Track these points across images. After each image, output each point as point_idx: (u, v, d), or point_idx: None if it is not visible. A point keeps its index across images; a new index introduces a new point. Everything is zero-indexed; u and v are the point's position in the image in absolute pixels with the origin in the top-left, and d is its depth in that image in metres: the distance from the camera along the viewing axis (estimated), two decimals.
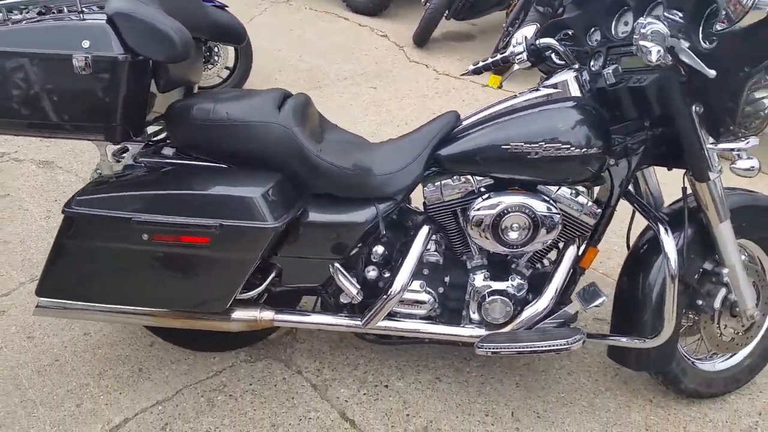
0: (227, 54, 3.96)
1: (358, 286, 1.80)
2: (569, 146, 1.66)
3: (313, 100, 1.95)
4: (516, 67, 1.96)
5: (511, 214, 1.72)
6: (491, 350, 1.79)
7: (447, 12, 4.83)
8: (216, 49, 3.89)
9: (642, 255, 1.88)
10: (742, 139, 1.62)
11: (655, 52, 1.45)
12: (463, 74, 2.10)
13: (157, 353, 2.11)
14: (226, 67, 3.99)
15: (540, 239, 1.75)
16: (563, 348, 1.77)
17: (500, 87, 2.14)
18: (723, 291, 1.86)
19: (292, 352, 2.15)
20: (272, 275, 1.83)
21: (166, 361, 2.09)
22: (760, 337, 2.04)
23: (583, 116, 1.68)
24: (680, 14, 1.51)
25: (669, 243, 1.69)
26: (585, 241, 1.88)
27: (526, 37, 1.89)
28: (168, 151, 1.82)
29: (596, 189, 1.86)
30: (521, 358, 2.15)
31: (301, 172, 1.73)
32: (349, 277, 1.80)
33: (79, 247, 1.66)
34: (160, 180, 1.70)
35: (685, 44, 1.47)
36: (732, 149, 1.63)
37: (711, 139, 1.65)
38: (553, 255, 1.90)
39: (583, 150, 1.66)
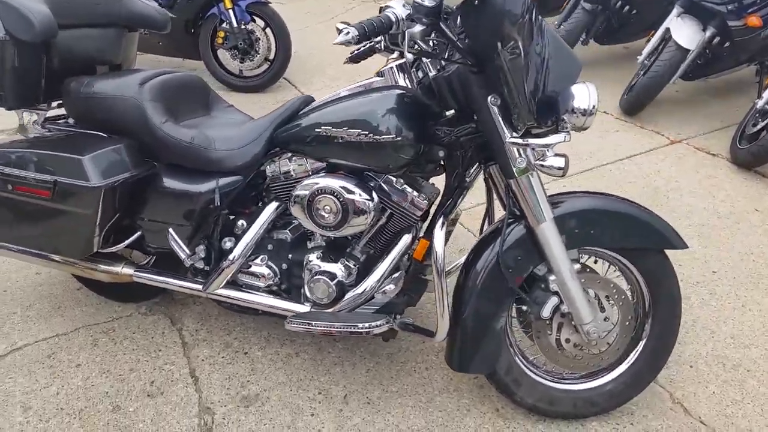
0: (268, 47, 4.26)
1: (188, 251, 1.95)
2: (371, 133, 1.66)
3: None
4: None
5: (321, 196, 1.76)
6: (299, 327, 1.84)
7: (584, 36, 4.26)
8: (257, 44, 4.21)
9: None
10: (556, 134, 1.52)
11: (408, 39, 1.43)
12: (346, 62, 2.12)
13: (77, 296, 2.43)
14: (267, 59, 4.30)
15: (353, 224, 1.76)
16: (357, 331, 1.77)
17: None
18: (554, 300, 1.73)
19: (185, 312, 2.35)
20: (134, 236, 2.04)
21: (82, 303, 2.40)
22: (630, 363, 1.85)
23: (394, 105, 1.67)
24: None
25: (438, 237, 1.63)
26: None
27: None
28: (72, 120, 2.12)
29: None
30: (385, 346, 2.15)
31: (148, 141, 1.92)
32: (180, 242, 1.95)
33: None
34: (37, 142, 1.99)
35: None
36: (540, 145, 1.53)
37: (514, 133, 1.55)
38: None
39: (387, 138, 1.65)
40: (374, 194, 1.76)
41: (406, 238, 1.81)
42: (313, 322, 1.82)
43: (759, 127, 3.13)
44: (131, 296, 2.39)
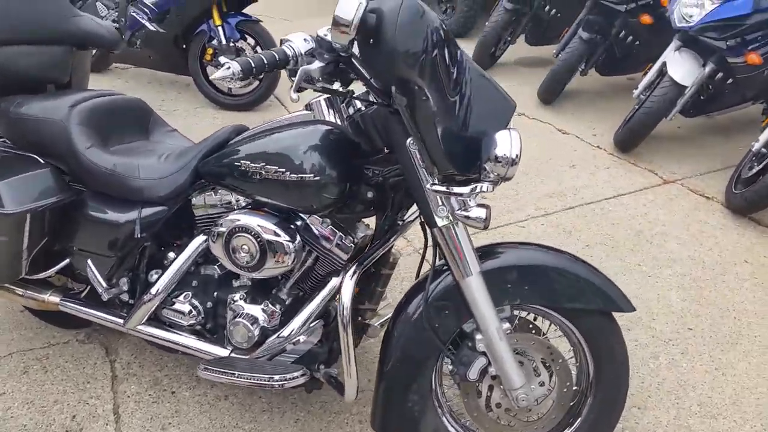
0: None
1: (104, 284, 1.86)
2: (288, 171, 1.55)
3: None
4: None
5: (239, 234, 1.65)
6: (210, 375, 1.73)
7: (583, 66, 4.13)
8: None
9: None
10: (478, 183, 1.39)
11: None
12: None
13: (19, 318, 2.36)
14: (256, 78, 4.23)
15: (272, 266, 1.65)
16: (269, 384, 1.65)
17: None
18: (482, 360, 1.58)
19: (121, 342, 2.25)
20: (62, 264, 1.96)
21: (22, 326, 2.33)
22: None
23: (317, 142, 1.55)
24: None
25: (346, 287, 1.50)
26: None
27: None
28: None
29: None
30: (319, 393, 2.01)
31: (72, 166, 1.84)
32: (96, 272, 1.86)
33: None
34: None
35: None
36: (460, 194, 1.40)
37: (435, 180, 1.43)
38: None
39: (308, 176, 1.54)
40: (297, 235, 1.65)
41: (334, 282, 1.68)
42: (225, 371, 1.70)
43: (755, 171, 2.95)
44: (70, 322, 2.30)
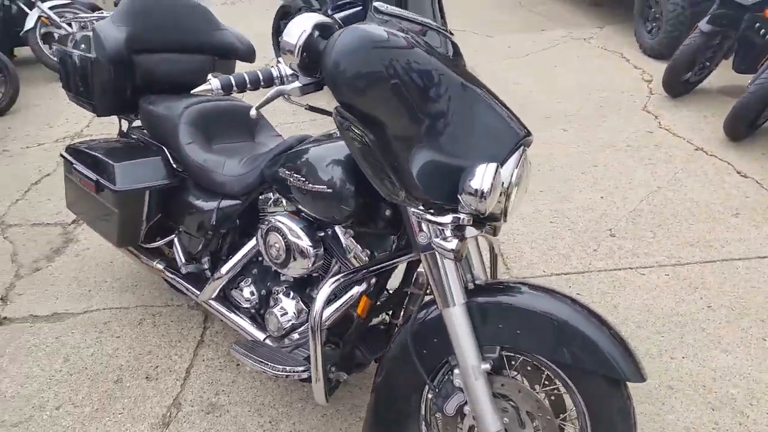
0: None
1: (183, 258, 2.16)
2: (310, 182, 1.66)
3: None
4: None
5: (273, 232, 1.81)
6: (237, 354, 1.91)
7: (707, 63, 4.03)
8: None
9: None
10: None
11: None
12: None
13: (155, 278, 2.82)
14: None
15: (296, 265, 1.78)
16: (273, 373, 1.77)
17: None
18: (459, 396, 1.53)
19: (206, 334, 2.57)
20: (168, 238, 2.33)
21: (152, 286, 2.79)
22: None
23: (342, 156, 1.64)
24: None
25: (321, 294, 1.55)
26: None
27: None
28: None
29: None
30: (353, 396, 2.10)
31: (178, 157, 2.18)
32: (179, 248, 2.17)
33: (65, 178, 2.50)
34: (104, 145, 2.37)
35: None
36: (434, 222, 1.38)
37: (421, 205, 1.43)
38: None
39: (324, 188, 1.64)
40: (321, 242, 1.76)
41: (355, 290, 1.76)
42: (248, 354, 1.88)
43: None
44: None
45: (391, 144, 1.32)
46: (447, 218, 1.35)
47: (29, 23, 6.01)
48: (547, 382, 1.54)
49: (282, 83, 1.44)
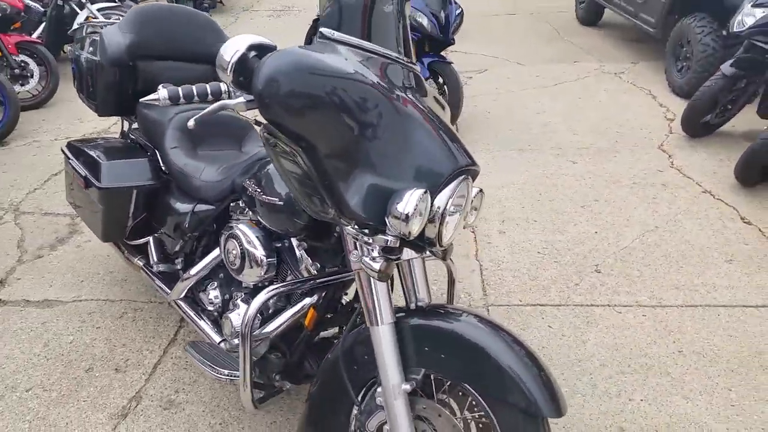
0: None
1: (155, 258, 2.25)
2: (263, 193, 1.73)
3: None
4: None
5: (231, 239, 1.88)
6: (189, 354, 1.97)
7: (729, 106, 3.94)
8: None
9: None
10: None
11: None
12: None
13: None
14: None
15: (250, 273, 1.84)
16: (217, 376, 1.83)
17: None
18: (381, 415, 1.55)
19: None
20: (148, 237, 2.42)
21: (140, 282, 2.89)
22: None
23: None
24: None
25: (254, 302, 1.59)
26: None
27: None
28: None
29: None
30: None
31: (163, 160, 2.28)
32: (153, 249, 2.26)
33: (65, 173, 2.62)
34: (98, 144, 2.48)
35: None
36: (363, 242, 1.42)
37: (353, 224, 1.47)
38: None
39: (275, 200, 1.70)
40: (276, 252, 1.82)
41: (305, 302, 1.81)
42: (197, 355, 1.94)
43: None
44: None
45: (322, 163, 1.36)
46: (374, 239, 1.38)
47: (77, 22, 6.31)
48: (476, 409, 1.55)
49: (230, 97, 1.50)
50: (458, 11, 4.35)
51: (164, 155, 2.26)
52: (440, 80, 4.38)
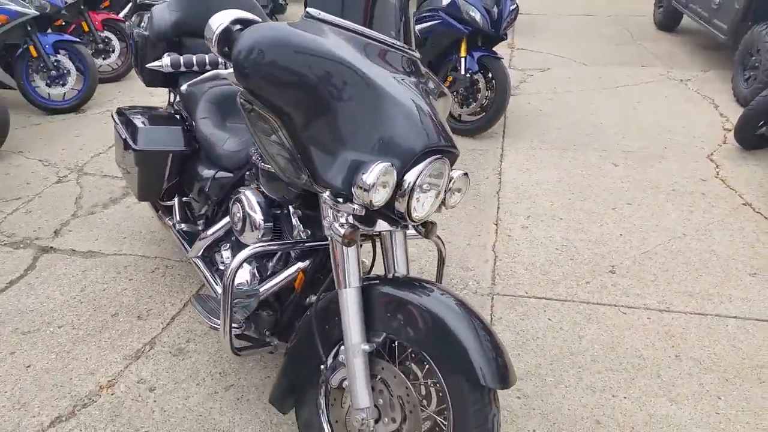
0: None
1: (178, 218, 2.45)
2: (261, 160, 1.88)
3: None
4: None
5: (236, 202, 2.04)
6: (194, 305, 2.14)
7: None
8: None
9: None
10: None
11: None
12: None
13: None
14: None
15: (249, 235, 1.99)
16: (211, 326, 1.99)
17: None
18: (344, 372, 1.66)
19: None
20: (176, 198, 2.63)
21: (175, 243, 3.12)
22: None
23: None
24: None
25: (236, 260, 1.73)
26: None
27: None
28: None
29: None
30: None
31: (194, 129, 2.48)
32: (177, 208, 2.45)
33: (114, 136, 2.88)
34: (142, 111, 2.71)
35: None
36: (333, 207, 1.54)
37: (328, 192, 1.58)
38: None
39: (270, 168, 1.84)
40: (275, 218, 1.96)
41: (299, 265, 1.95)
42: (200, 307, 2.11)
43: None
44: None
45: (296, 132, 1.49)
46: (341, 206, 1.50)
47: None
48: (431, 376, 1.64)
49: (226, 68, 1.64)
50: (512, 7, 4.35)
51: (196, 124, 2.46)
52: (489, 75, 4.41)
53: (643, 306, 2.64)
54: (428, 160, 1.48)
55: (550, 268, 2.92)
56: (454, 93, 4.50)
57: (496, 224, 3.33)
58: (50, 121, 4.83)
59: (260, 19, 1.53)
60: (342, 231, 1.50)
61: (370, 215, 1.55)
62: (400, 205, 1.49)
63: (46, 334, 2.47)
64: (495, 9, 4.33)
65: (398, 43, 1.70)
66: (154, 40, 2.57)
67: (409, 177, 1.46)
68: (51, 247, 3.09)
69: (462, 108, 4.54)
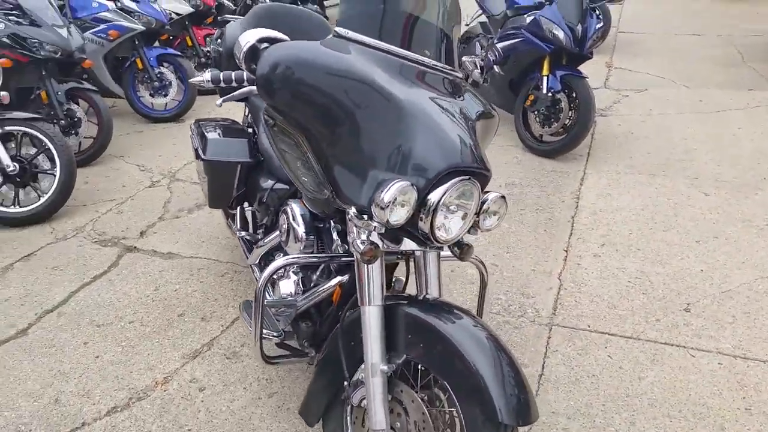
0: None
1: (238, 226, 2.55)
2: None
3: None
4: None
5: (283, 214, 2.10)
6: (242, 311, 2.22)
7: None
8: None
9: None
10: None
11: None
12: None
13: None
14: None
15: (294, 246, 2.05)
16: (250, 330, 2.05)
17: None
18: (364, 390, 1.66)
19: None
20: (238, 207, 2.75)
21: None
22: None
23: None
24: None
25: (269, 269, 1.76)
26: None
27: None
28: None
29: None
30: None
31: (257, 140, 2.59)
32: (238, 218, 2.56)
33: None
34: (214, 123, 2.85)
35: None
36: (356, 225, 1.55)
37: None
38: None
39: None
40: (316, 231, 2.01)
41: (338, 279, 1.98)
42: (246, 311, 2.19)
43: None
44: None
45: (320, 148, 1.53)
46: (361, 223, 1.51)
47: None
48: (450, 404, 1.60)
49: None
50: (599, 25, 4.21)
51: (259, 137, 2.57)
52: (573, 95, 4.27)
53: (716, 350, 2.43)
54: (454, 180, 1.46)
55: (619, 301, 2.77)
56: (535, 112, 4.40)
57: (566, 251, 3.20)
58: (152, 129, 5.21)
59: (287, 38, 1.58)
60: (362, 248, 1.51)
61: (395, 233, 1.55)
62: (424, 225, 1.48)
63: (117, 328, 2.66)
64: (579, 27, 4.19)
65: (437, 63, 1.70)
66: (225, 55, 2.72)
67: (433, 197, 1.45)
68: (135, 247, 3.32)
69: (543, 128, 4.42)
